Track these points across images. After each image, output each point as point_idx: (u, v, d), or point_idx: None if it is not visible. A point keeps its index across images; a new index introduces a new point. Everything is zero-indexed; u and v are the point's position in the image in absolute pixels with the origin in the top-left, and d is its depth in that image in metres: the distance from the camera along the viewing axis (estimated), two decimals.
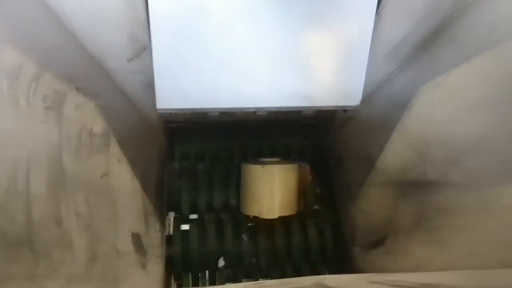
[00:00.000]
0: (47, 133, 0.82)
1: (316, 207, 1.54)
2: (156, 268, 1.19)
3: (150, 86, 1.16)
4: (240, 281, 1.35)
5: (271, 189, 1.33)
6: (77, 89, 0.96)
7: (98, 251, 0.89)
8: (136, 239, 1.09)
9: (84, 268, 0.82)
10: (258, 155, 1.62)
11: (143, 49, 1.08)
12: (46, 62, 0.84)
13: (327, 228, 1.44)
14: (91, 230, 0.88)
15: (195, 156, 1.59)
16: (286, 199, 1.36)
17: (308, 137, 1.67)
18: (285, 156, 1.63)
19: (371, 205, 1.28)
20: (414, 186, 1.11)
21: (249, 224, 1.46)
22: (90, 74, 1.03)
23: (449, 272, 0.84)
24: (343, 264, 1.39)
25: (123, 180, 1.11)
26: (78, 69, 0.97)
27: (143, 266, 1.10)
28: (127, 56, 1.07)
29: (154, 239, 1.24)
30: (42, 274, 0.70)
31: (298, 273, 1.39)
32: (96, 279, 0.85)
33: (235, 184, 1.51)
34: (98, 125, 1.03)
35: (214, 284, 1.37)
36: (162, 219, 1.35)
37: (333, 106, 1.13)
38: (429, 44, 1.12)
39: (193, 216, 1.49)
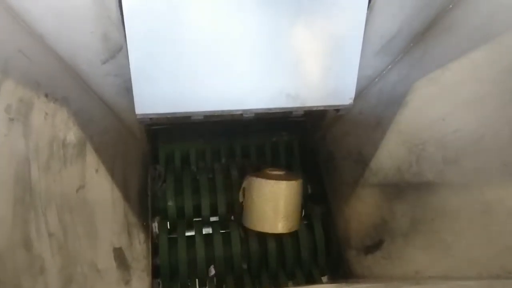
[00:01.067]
0: (12, 147, 0.74)
1: (308, 208, 1.48)
2: (141, 283, 1.12)
3: (127, 89, 1.08)
4: None
5: (279, 205, 1.28)
6: (46, 95, 0.88)
7: (74, 273, 0.81)
8: (119, 254, 1.02)
9: None
10: (245, 155, 1.56)
11: (118, 50, 1.00)
12: (7, 68, 0.76)
13: (320, 231, 1.38)
14: (66, 250, 0.81)
15: (180, 159, 1.52)
16: (293, 215, 1.31)
17: (297, 135, 1.61)
18: (273, 156, 1.57)
19: (365, 207, 1.23)
20: (411, 187, 1.06)
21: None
22: (60, 78, 0.95)
23: (450, 285, 0.79)
24: (338, 268, 1.34)
25: (102, 192, 1.04)
26: (46, 73, 0.89)
27: (127, 283, 1.03)
28: (101, 58, 0.99)
29: (138, 251, 1.17)
30: None
31: (291, 278, 1.34)
32: None
33: (222, 186, 1.44)
34: (72, 134, 0.96)
35: None
36: (146, 229, 1.27)
37: (324, 106, 1.07)
38: (423, 38, 1.07)
39: (180, 222, 1.43)
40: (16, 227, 0.70)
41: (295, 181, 1.30)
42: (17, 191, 0.72)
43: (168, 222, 1.39)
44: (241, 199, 1.38)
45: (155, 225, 1.41)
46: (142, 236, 1.22)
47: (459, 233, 0.92)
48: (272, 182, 1.27)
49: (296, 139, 1.60)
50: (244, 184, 1.37)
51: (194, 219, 1.42)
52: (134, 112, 1.03)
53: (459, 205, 0.93)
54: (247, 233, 1.37)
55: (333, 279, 1.35)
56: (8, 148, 0.73)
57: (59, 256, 0.78)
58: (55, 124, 0.90)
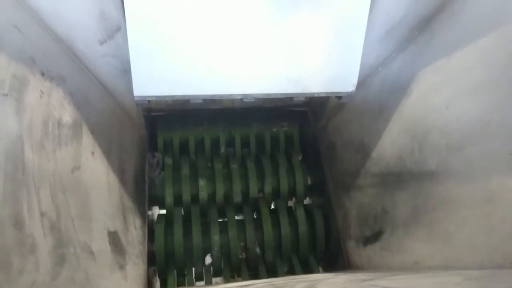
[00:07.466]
0: (4, 123, 0.72)
1: (307, 198, 1.46)
2: (136, 268, 1.10)
3: (126, 71, 1.06)
4: (228, 278, 1.27)
5: None
6: (42, 73, 0.86)
7: (67, 254, 0.80)
8: (113, 238, 1.00)
9: (50, 274, 0.73)
10: (244, 145, 1.54)
11: (116, 30, 0.98)
12: (1, 42, 0.74)
13: (319, 221, 1.37)
14: (59, 230, 0.79)
15: (178, 146, 1.50)
16: None
17: (298, 124, 1.59)
18: (273, 145, 1.55)
19: (365, 196, 1.21)
20: (413, 176, 1.04)
21: (237, 218, 1.38)
22: (56, 57, 0.93)
23: (451, 273, 0.77)
24: (336, 259, 1.33)
25: (98, 174, 1.02)
26: (42, 51, 0.87)
27: (121, 267, 1.01)
28: (98, 37, 0.97)
29: (134, 236, 1.15)
30: None
31: (289, 269, 1.32)
32: (63, 285, 0.76)
33: (221, 175, 1.42)
34: (68, 114, 0.94)
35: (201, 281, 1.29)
36: (143, 214, 1.26)
37: (326, 93, 1.04)
38: (429, 24, 1.04)
39: (178, 210, 1.41)
40: (6, 204, 0.68)
41: None
42: (8, 167, 0.70)
43: (165, 210, 1.38)
44: None
45: (152, 212, 1.40)
46: (138, 222, 1.20)
47: (461, 222, 0.89)
48: None
49: (297, 129, 1.58)
50: None
51: (192, 207, 1.40)
52: (132, 95, 1.01)
53: (462, 193, 0.90)
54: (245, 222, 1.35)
55: (331, 270, 1.33)
56: (1, 123, 0.71)
57: (51, 236, 0.76)
58: (51, 103, 0.88)
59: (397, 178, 1.09)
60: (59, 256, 0.77)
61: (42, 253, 0.73)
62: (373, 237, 1.15)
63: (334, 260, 1.34)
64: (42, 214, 0.76)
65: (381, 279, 0.74)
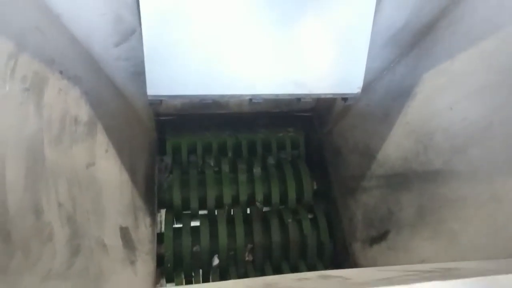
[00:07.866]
0: (26, 116, 0.75)
1: (313, 202, 1.48)
2: (146, 265, 1.12)
3: (138, 74, 1.10)
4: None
5: None
6: (61, 72, 0.90)
7: (82, 245, 0.82)
8: (125, 233, 1.03)
9: (65, 264, 0.75)
10: (251, 150, 1.57)
11: (131, 33, 1.02)
12: (25, 41, 0.78)
13: (324, 224, 1.38)
14: (75, 222, 0.82)
15: (187, 151, 1.53)
16: None
17: (303, 129, 1.61)
18: (279, 149, 1.58)
19: (371, 198, 1.23)
20: (418, 177, 1.06)
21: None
22: (74, 58, 0.97)
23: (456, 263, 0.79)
24: (343, 261, 1.34)
25: (111, 172, 1.05)
26: (60, 51, 0.91)
27: (132, 263, 1.03)
28: (113, 40, 1.01)
29: (144, 234, 1.17)
30: (16, 268, 0.64)
31: (295, 271, 1.33)
32: (78, 276, 0.78)
33: (228, 179, 1.45)
34: (83, 112, 0.97)
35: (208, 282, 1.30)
36: (153, 215, 1.28)
37: (333, 94, 1.07)
38: (432, 29, 1.08)
39: (185, 213, 1.43)
40: (27, 193, 0.71)
41: None
42: (30, 159, 0.73)
43: (173, 213, 1.40)
44: None
45: (160, 215, 1.42)
46: (148, 220, 1.22)
47: (466, 222, 0.91)
48: None
49: (302, 135, 1.61)
50: None
51: (200, 211, 1.42)
52: (144, 98, 1.04)
53: (466, 193, 0.93)
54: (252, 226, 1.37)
55: None
56: (23, 116, 0.74)
57: (67, 227, 0.79)
58: (68, 101, 0.91)
59: (403, 179, 1.11)
60: (74, 247, 0.79)
61: (59, 242, 0.75)
62: (379, 237, 1.16)
63: (341, 262, 1.36)
64: (60, 205, 0.79)
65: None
